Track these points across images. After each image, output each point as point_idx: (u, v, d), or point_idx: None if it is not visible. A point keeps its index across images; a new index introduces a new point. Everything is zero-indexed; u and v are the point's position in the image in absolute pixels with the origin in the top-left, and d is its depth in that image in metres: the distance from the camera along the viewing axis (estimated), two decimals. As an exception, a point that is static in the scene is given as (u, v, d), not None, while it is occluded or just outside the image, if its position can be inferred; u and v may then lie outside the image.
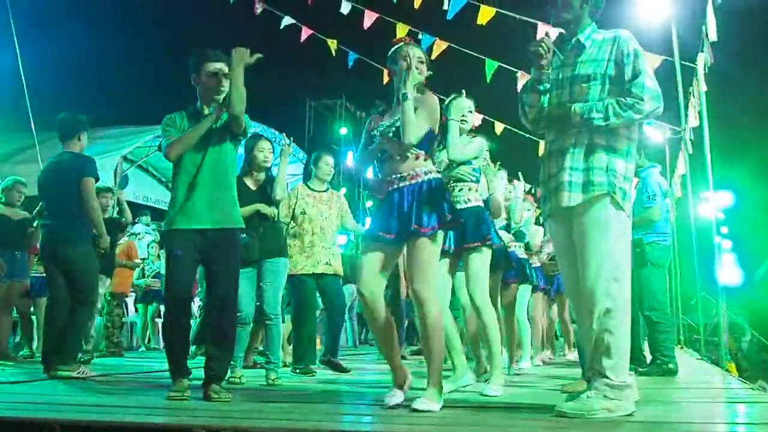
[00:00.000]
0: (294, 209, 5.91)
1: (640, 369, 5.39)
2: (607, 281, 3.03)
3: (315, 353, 5.98)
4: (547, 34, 3.50)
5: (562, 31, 3.40)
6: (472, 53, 8.99)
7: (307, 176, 6.22)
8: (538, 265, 7.24)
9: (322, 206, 5.97)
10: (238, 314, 4.98)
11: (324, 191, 6.06)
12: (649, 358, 5.86)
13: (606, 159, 3.11)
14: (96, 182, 5.29)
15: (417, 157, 3.45)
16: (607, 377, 3.01)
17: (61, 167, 5.25)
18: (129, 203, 7.27)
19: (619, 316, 3.03)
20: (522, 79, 8.85)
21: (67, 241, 5.14)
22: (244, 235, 5.17)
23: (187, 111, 3.98)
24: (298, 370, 5.63)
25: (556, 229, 3.32)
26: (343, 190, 6.51)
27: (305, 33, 9.40)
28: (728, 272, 13.11)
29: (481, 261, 4.38)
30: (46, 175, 5.32)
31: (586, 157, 3.14)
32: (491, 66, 8.87)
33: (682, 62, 8.35)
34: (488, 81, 8.86)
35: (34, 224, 6.79)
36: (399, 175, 3.45)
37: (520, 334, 6.49)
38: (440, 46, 8.75)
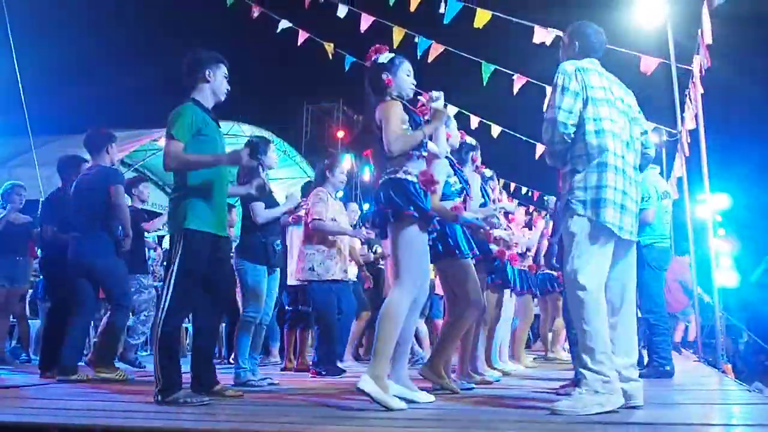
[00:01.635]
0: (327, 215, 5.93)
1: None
2: (572, 282, 3.27)
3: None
4: None
5: (559, 33, 3.58)
6: (469, 56, 9.00)
7: (321, 181, 6.15)
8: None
9: (343, 215, 6.08)
10: (264, 316, 5.08)
11: (335, 199, 6.12)
12: (646, 359, 5.87)
13: (568, 182, 3.40)
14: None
15: None
16: (592, 370, 3.14)
17: (89, 180, 5.41)
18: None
19: (588, 315, 3.20)
20: (518, 82, 8.87)
21: (96, 254, 5.28)
22: (279, 242, 5.26)
23: (198, 104, 4.00)
24: (324, 372, 5.79)
25: None
26: (340, 194, 6.52)
27: (302, 36, 9.40)
28: (725, 274, 13.11)
29: None
30: (77, 189, 5.47)
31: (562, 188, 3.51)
32: (488, 69, 8.88)
33: (679, 65, 8.38)
34: (485, 84, 8.88)
35: (36, 229, 6.76)
36: None
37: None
38: (437, 49, 8.75)
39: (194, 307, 3.98)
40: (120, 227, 5.38)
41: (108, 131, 5.67)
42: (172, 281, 3.73)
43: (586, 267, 3.27)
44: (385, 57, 3.79)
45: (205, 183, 3.88)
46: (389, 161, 3.65)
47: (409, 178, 3.63)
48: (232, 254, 5.16)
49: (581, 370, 3.20)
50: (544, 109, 3.47)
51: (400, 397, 3.49)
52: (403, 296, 3.51)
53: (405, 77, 3.77)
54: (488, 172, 5.94)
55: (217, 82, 4.07)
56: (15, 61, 7.93)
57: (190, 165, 3.82)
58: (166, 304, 3.72)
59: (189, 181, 3.85)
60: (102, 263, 5.30)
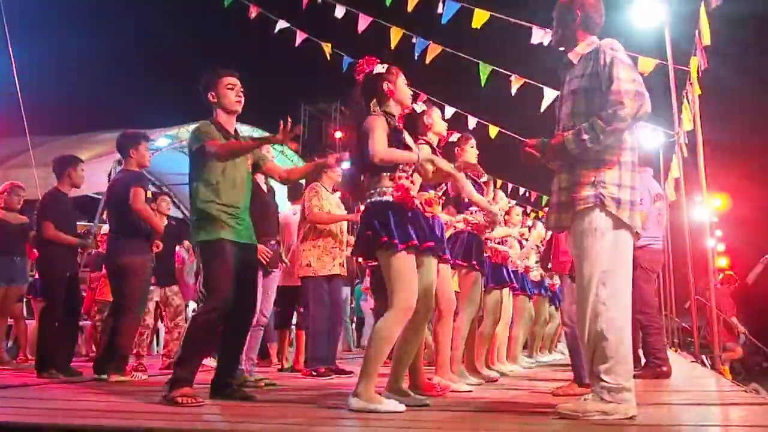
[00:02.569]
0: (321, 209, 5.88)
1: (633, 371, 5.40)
2: (596, 287, 3.06)
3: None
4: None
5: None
6: (467, 57, 9.00)
7: (317, 176, 6.11)
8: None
9: (340, 209, 6.02)
10: (260, 317, 5.06)
11: (332, 193, 6.07)
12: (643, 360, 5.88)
13: (594, 173, 3.12)
14: (145, 193, 5.48)
15: None
16: (603, 380, 3.03)
17: (116, 185, 5.60)
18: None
19: (611, 320, 3.04)
20: (516, 83, 8.88)
21: (127, 252, 5.37)
22: (273, 242, 5.23)
23: (214, 123, 3.96)
24: (315, 372, 5.70)
25: (568, 239, 3.39)
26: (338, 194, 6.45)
27: (300, 37, 9.40)
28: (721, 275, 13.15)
29: None
30: (109, 192, 5.71)
31: (574, 175, 3.18)
32: (485, 69, 8.88)
33: (676, 66, 8.39)
34: (482, 84, 8.87)
35: (32, 231, 6.76)
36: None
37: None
38: (434, 49, 8.75)
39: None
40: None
41: (131, 133, 5.75)
42: (201, 290, 4.01)
43: (613, 268, 3.09)
44: (381, 67, 3.75)
45: (230, 197, 3.87)
46: (371, 179, 3.61)
47: (385, 198, 3.56)
48: None
49: (596, 376, 3.05)
50: (617, 86, 3.08)
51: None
52: (397, 319, 3.47)
53: (404, 86, 3.77)
54: (483, 177, 5.93)
55: (224, 100, 3.99)
56: (12, 61, 7.92)
57: (234, 150, 3.85)
58: (200, 308, 3.93)
59: (212, 198, 3.85)
60: (131, 262, 5.35)
